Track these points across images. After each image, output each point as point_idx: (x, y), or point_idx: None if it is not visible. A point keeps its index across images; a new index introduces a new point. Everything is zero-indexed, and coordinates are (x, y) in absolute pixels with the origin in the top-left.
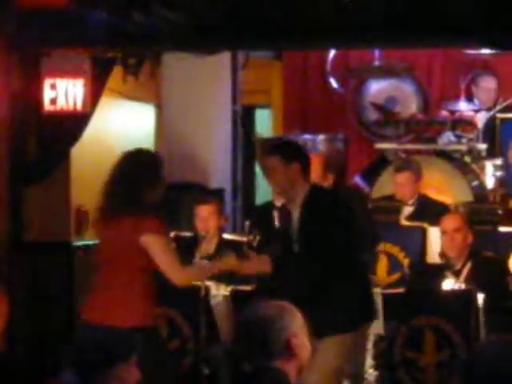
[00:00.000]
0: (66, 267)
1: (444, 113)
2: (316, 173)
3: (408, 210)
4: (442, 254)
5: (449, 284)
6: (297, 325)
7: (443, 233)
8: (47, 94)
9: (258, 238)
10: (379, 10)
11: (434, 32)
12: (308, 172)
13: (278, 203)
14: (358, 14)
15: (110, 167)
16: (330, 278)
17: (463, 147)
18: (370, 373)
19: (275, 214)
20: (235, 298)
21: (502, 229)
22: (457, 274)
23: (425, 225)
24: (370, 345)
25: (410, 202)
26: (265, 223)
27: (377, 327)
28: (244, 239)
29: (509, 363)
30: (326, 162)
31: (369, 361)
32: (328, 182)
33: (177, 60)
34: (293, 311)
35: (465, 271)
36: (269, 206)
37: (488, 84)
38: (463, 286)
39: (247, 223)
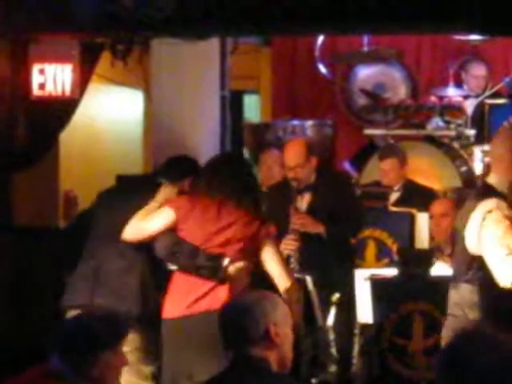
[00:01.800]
0: (54, 252)
1: (433, 99)
2: (298, 154)
3: (394, 195)
4: (432, 239)
5: (439, 269)
6: (278, 314)
7: (431, 217)
8: (35, 80)
9: None
10: None
11: (422, 18)
12: None
13: (266, 190)
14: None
15: (98, 152)
16: None
17: (452, 133)
18: (359, 358)
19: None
20: None
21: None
22: (445, 259)
23: (413, 210)
24: (357, 331)
25: (396, 187)
26: None
27: (365, 315)
28: None
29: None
30: (308, 145)
31: (356, 347)
32: (311, 165)
33: (165, 45)
34: (275, 300)
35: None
36: None
37: (477, 70)
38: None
39: None
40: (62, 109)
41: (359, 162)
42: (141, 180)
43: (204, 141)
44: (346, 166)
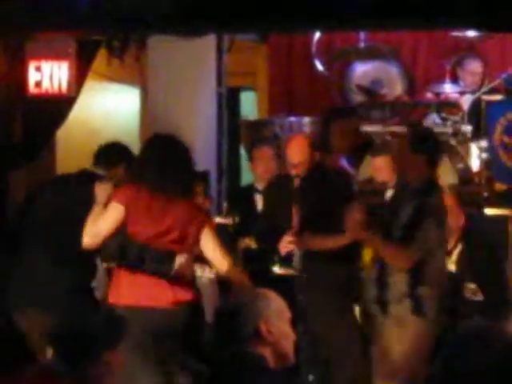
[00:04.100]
0: None
1: (429, 95)
2: (302, 151)
3: (390, 192)
4: None
5: None
6: (270, 312)
7: None
8: (32, 77)
9: (236, 219)
10: None
11: (419, 14)
12: None
13: (260, 187)
14: None
15: (94, 149)
16: None
17: (448, 129)
18: None
19: (257, 197)
20: (220, 281)
21: (488, 211)
22: (447, 255)
23: None
24: None
25: (391, 184)
26: (245, 206)
27: None
28: (229, 221)
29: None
30: (312, 142)
31: None
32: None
33: (162, 43)
34: (267, 298)
35: (455, 253)
36: (250, 189)
37: (473, 66)
38: (453, 267)
39: (225, 205)
40: (58, 106)
41: (356, 158)
42: (76, 176)
43: (200, 138)
44: (343, 162)
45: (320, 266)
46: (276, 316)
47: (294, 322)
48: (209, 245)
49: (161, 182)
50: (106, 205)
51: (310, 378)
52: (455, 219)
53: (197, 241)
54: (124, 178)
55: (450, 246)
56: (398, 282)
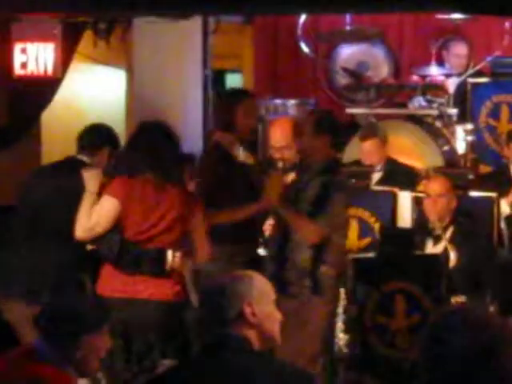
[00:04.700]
0: None
1: (415, 77)
2: (285, 134)
3: (377, 175)
4: (420, 217)
5: (428, 249)
6: (254, 293)
7: (427, 196)
8: (17, 59)
9: None
10: None
11: None
12: None
13: None
14: None
15: (80, 131)
16: None
17: (434, 112)
18: (341, 337)
19: None
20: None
21: (473, 193)
22: (437, 239)
23: (395, 189)
24: (340, 309)
25: (379, 167)
26: None
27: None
28: None
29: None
30: (295, 125)
31: (340, 325)
32: (296, 147)
33: (147, 24)
34: (250, 280)
35: (446, 236)
36: None
37: (459, 49)
38: (440, 250)
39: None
40: (44, 88)
41: (340, 140)
42: (60, 164)
43: (186, 120)
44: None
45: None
46: (260, 297)
47: None
48: (200, 230)
49: (152, 170)
50: (97, 194)
51: None
52: (447, 202)
53: (187, 227)
54: (109, 164)
55: (440, 230)
56: (300, 260)
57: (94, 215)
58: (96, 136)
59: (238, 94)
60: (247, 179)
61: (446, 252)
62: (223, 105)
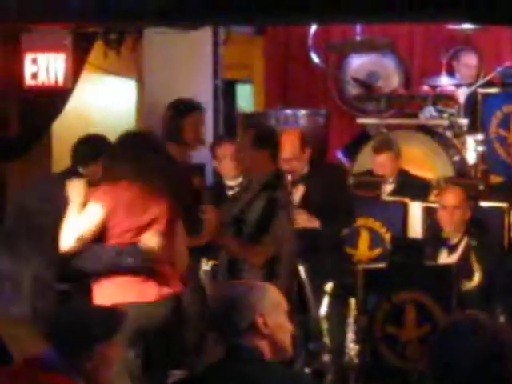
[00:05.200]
0: None
1: (425, 88)
2: (294, 146)
3: (389, 187)
4: (433, 227)
5: (442, 259)
6: (266, 304)
7: (443, 207)
8: (28, 69)
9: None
10: None
11: (415, 6)
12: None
13: (231, 183)
14: None
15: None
16: None
17: (444, 122)
18: (352, 347)
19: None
20: (216, 273)
21: (484, 204)
22: (452, 250)
23: (406, 200)
24: (351, 320)
25: (391, 179)
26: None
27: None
28: None
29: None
30: (304, 136)
31: (350, 335)
32: (306, 156)
33: (158, 35)
34: (263, 290)
35: (461, 247)
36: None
37: (469, 60)
38: (454, 260)
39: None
40: (54, 98)
41: (352, 151)
42: (58, 176)
43: None
44: (339, 155)
45: None
46: (272, 308)
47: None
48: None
49: (137, 180)
50: (82, 204)
51: (306, 371)
52: (462, 213)
53: (171, 237)
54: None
55: (455, 241)
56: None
57: (79, 223)
58: (87, 149)
59: (186, 105)
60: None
61: (459, 262)
62: (170, 116)
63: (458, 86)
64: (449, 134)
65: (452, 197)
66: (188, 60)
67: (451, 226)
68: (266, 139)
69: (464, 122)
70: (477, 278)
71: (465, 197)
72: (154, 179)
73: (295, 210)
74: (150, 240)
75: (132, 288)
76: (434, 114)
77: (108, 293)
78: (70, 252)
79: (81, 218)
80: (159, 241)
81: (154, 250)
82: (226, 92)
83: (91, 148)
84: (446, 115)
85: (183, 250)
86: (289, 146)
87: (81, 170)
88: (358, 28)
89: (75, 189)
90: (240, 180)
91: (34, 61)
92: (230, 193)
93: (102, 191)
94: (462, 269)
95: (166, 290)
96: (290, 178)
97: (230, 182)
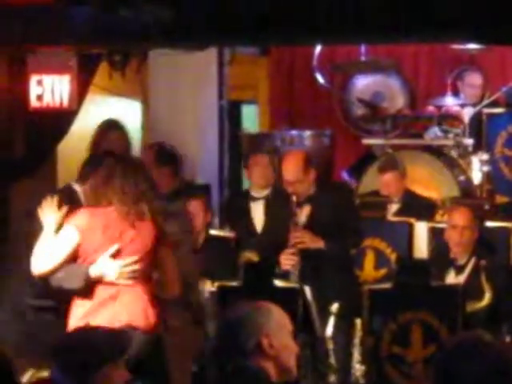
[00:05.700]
0: None
1: (430, 108)
2: (297, 168)
3: (394, 207)
4: (439, 247)
5: (449, 279)
6: (272, 325)
7: (453, 227)
8: (33, 91)
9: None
10: (366, 4)
11: (420, 27)
12: None
13: (256, 194)
14: (345, 8)
15: None
16: None
17: (450, 142)
18: (358, 368)
19: (252, 205)
20: (222, 294)
21: (489, 224)
22: (460, 270)
23: (411, 220)
24: (357, 340)
25: (396, 199)
26: (241, 217)
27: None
28: (231, 235)
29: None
30: (307, 158)
31: (356, 356)
32: (310, 178)
33: (163, 56)
34: (268, 312)
35: (468, 267)
36: (245, 197)
37: (474, 80)
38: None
39: (220, 216)
40: (59, 119)
41: (357, 171)
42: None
43: (202, 150)
44: (344, 175)
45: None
46: (277, 329)
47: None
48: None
49: (119, 202)
50: (56, 223)
51: None
52: (471, 233)
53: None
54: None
55: (463, 261)
56: None
57: (54, 247)
58: (88, 165)
59: (105, 125)
60: None
61: (467, 282)
62: (93, 135)
63: (463, 106)
64: (454, 153)
65: (461, 217)
66: (193, 81)
67: (460, 247)
68: (166, 156)
69: (469, 141)
70: (487, 297)
71: (473, 217)
72: (137, 203)
73: (298, 231)
74: (105, 265)
75: (103, 312)
76: (439, 134)
77: (79, 313)
78: (43, 275)
79: (53, 241)
80: (118, 267)
81: (105, 275)
82: (231, 113)
83: (90, 165)
84: (451, 135)
85: (172, 275)
86: (292, 168)
87: (77, 187)
88: (363, 48)
89: (45, 210)
90: (266, 193)
91: (40, 82)
92: (252, 204)
93: (78, 214)
94: (470, 289)
95: (137, 321)
96: (294, 198)
97: (255, 193)
